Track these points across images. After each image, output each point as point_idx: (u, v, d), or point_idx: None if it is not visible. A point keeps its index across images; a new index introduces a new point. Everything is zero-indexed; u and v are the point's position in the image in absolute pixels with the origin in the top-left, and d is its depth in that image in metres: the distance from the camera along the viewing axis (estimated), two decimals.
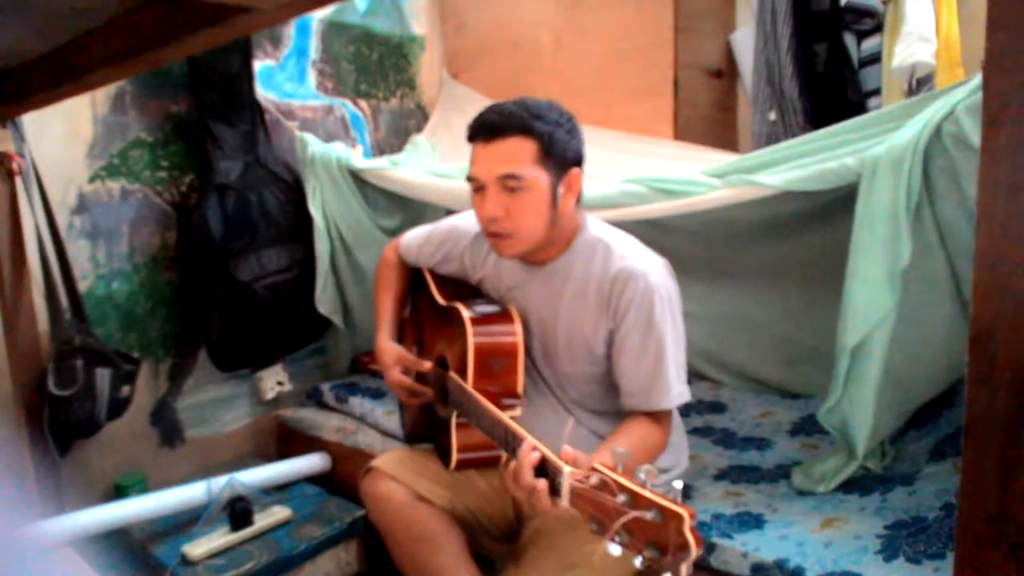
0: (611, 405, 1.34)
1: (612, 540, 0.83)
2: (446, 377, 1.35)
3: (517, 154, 1.21)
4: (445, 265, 1.52)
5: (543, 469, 0.97)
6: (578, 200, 1.31)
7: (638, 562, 0.81)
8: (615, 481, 0.83)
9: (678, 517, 0.77)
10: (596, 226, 1.36)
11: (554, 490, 0.94)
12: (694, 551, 0.76)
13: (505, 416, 1.11)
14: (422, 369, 1.41)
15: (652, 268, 1.27)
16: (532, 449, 0.99)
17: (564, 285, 1.32)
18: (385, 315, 1.55)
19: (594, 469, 0.86)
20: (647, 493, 0.80)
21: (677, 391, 1.26)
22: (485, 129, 1.24)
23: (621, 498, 0.82)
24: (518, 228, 1.24)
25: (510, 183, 1.22)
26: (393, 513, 1.34)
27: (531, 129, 1.21)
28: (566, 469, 0.91)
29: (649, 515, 0.79)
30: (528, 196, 1.22)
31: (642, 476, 0.82)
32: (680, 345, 1.29)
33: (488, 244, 1.37)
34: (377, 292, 1.60)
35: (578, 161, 1.28)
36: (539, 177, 1.22)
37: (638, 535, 0.81)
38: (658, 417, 1.26)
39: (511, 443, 1.05)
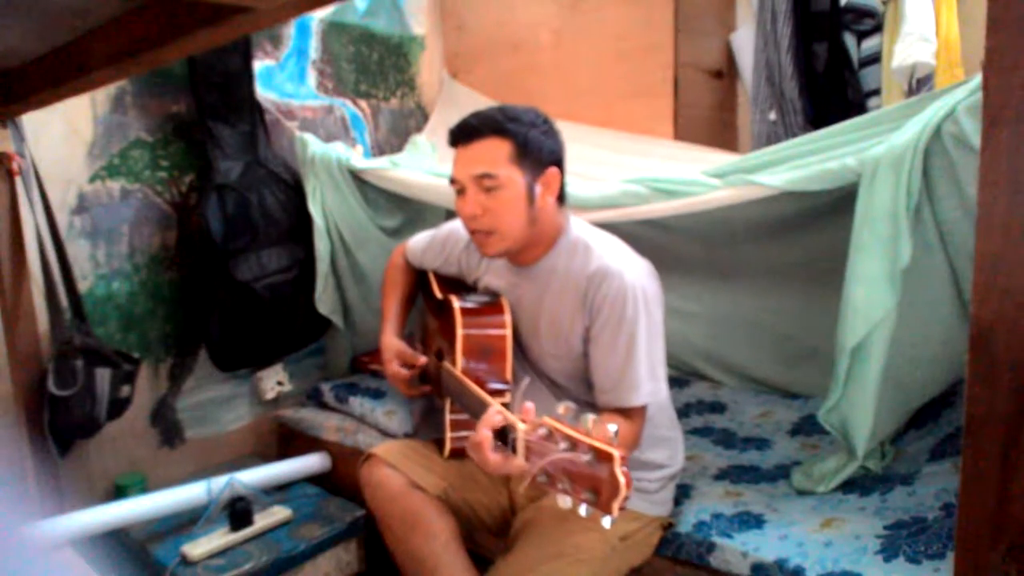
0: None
1: (557, 491, 0.86)
2: (440, 367, 1.38)
3: (492, 154, 1.27)
4: (446, 268, 1.58)
5: (504, 432, 1.01)
6: (561, 200, 1.35)
7: (583, 510, 0.84)
8: (557, 430, 0.87)
9: (609, 457, 0.80)
10: (579, 227, 1.39)
11: (514, 450, 0.97)
12: (623, 490, 0.79)
13: (484, 393, 1.14)
14: (419, 363, 1.46)
15: (629, 267, 1.29)
16: (496, 413, 1.04)
17: (548, 284, 1.36)
18: (390, 313, 1.61)
19: (543, 422, 0.90)
20: (582, 437, 0.83)
21: (648, 389, 1.27)
22: (463, 133, 1.31)
23: (563, 445, 0.85)
24: (497, 225, 1.29)
25: (486, 182, 1.27)
26: (388, 499, 1.36)
27: (505, 130, 1.27)
28: (520, 426, 0.94)
29: (585, 458, 0.82)
30: (504, 194, 1.27)
31: (589, 424, 0.85)
32: (655, 344, 1.30)
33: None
34: (384, 292, 1.67)
35: (556, 161, 1.32)
36: (514, 176, 1.27)
37: (579, 481, 0.83)
38: (630, 415, 1.27)
39: (483, 414, 1.09)
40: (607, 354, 1.28)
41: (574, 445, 0.84)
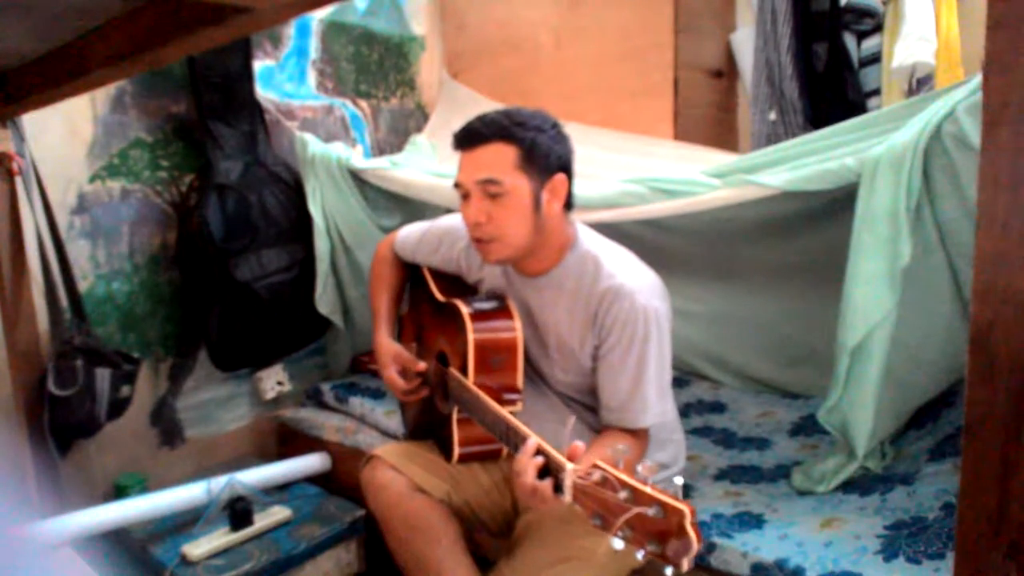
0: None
1: (615, 535, 0.84)
2: (446, 373, 1.36)
3: (497, 160, 1.24)
4: (443, 266, 1.54)
5: (545, 467, 0.99)
6: (568, 206, 1.32)
7: (640, 555, 0.83)
8: (617, 478, 0.85)
9: (679, 513, 0.79)
10: (589, 239, 1.36)
11: (556, 487, 0.95)
12: (695, 545, 0.78)
13: (507, 412, 1.12)
14: (418, 369, 1.43)
15: (640, 288, 1.27)
16: (535, 452, 1.01)
17: (556, 298, 1.33)
18: (382, 312, 1.56)
19: (596, 466, 0.88)
20: (648, 489, 0.82)
21: (655, 411, 1.27)
22: (468, 137, 1.27)
23: (623, 494, 0.84)
24: (501, 233, 1.26)
25: (491, 188, 1.24)
26: (391, 502, 1.35)
27: (511, 135, 1.24)
28: (568, 466, 0.93)
29: (651, 511, 0.81)
30: (509, 201, 1.24)
31: (642, 472, 0.84)
32: (665, 365, 1.29)
33: None
34: (373, 289, 1.61)
35: (564, 167, 1.29)
36: (520, 183, 1.24)
37: (640, 530, 0.82)
38: (636, 434, 1.27)
39: (513, 440, 1.07)
40: (616, 375, 1.26)
41: (637, 497, 0.82)
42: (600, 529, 0.86)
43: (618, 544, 0.84)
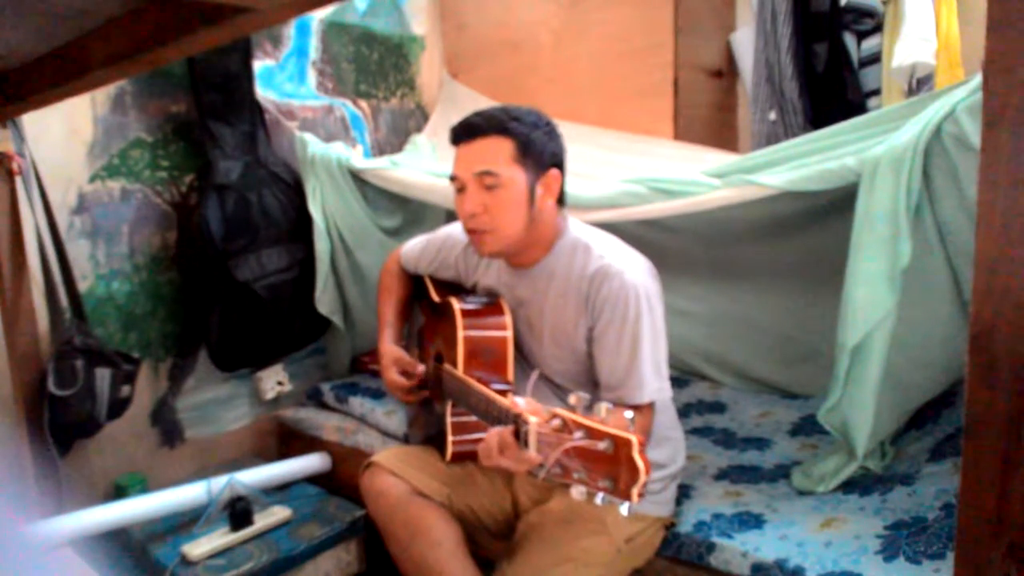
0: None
1: (573, 481, 0.86)
2: (440, 369, 1.37)
3: (494, 153, 1.27)
4: (442, 272, 1.58)
5: (515, 429, 1.00)
6: (560, 202, 1.36)
7: (599, 499, 0.84)
8: (572, 420, 0.87)
9: (627, 443, 0.81)
10: (578, 228, 1.40)
11: (526, 444, 0.96)
12: (643, 475, 0.79)
13: (490, 391, 1.13)
14: (418, 372, 1.45)
15: (629, 267, 1.30)
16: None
17: (548, 285, 1.36)
18: (386, 319, 1.61)
19: (555, 415, 0.90)
20: (599, 426, 0.84)
21: (653, 387, 1.28)
22: (465, 130, 1.31)
23: (578, 434, 0.86)
24: (496, 225, 1.29)
25: (487, 180, 1.27)
26: (391, 508, 1.35)
27: (508, 129, 1.27)
28: (532, 419, 0.94)
29: (602, 445, 0.83)
30: (505, 194, 1.28)
31: (602, 413, 0.85)
32: (659, 342, 1.31)
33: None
34: (380, 299, 1.66)
35: (557, 163, 1.33)
36: (516, 176, 1.27)
37: (595, 470, 0.84)
38: (638, 412, 1.27)
39: (495, 415, 1.08)
40: (612, 354, 1.28)
41: (590, 434, 0.84)
42: (561, 479, 0.88)
43: (578, 493, 0.86)
